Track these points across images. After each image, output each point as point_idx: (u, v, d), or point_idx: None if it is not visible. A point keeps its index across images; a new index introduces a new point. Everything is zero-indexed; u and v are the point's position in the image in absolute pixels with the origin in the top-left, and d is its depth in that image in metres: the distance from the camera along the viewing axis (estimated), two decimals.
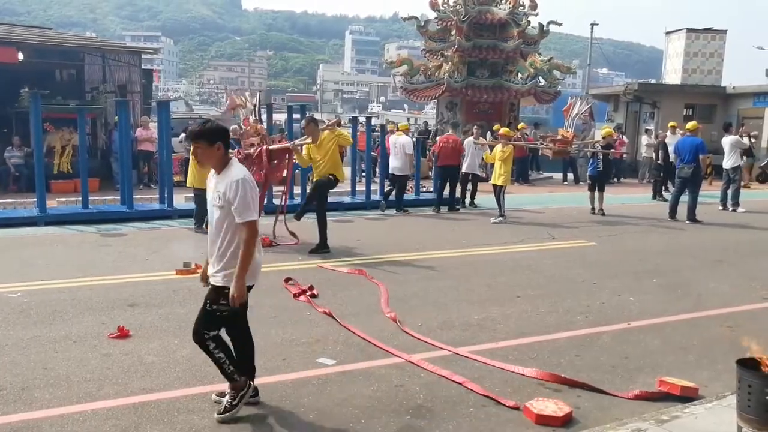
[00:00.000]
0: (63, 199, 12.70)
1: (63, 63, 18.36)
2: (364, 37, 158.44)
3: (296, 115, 14.29)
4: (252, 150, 9.40)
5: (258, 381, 4.66)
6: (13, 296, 6.62)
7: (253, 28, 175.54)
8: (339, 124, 9.26)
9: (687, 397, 4.49)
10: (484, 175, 16.46)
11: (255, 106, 10.09)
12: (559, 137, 13.64)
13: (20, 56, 15.62)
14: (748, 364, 3.75)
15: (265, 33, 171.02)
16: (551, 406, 4.25)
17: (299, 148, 9.14)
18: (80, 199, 11.77)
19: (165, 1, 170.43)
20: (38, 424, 3.97)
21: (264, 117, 14.62)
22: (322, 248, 8.97)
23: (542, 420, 4.13)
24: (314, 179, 9.42)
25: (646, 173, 21.47)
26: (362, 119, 17.27)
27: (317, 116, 9.49)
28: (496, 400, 4.44)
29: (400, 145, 13.63)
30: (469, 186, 14.70)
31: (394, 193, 13.74)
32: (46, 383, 4.55)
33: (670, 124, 18.71)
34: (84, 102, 17.03)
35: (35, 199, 11.29)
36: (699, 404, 4.22)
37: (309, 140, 9.03)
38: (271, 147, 9.31)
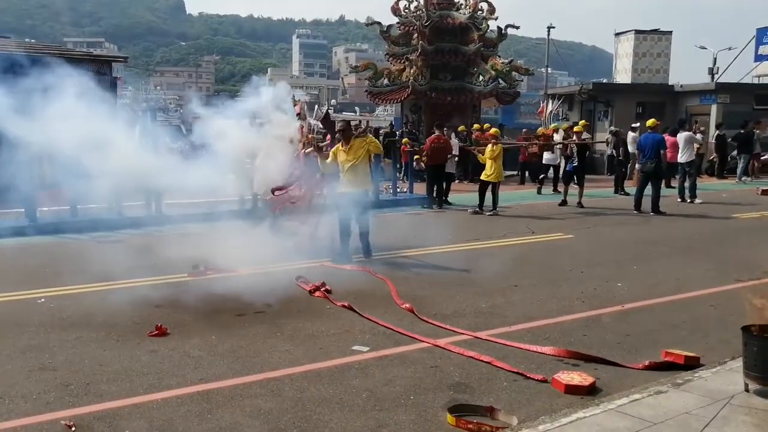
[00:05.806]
0: (45, 209, 12.69)
1: None
2: (311, 40, 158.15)
3: None
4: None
5: (302, 368, 5.07)
6: (39, 302, 6.81)
7: (198, 33, 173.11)
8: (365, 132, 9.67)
9: (690, 365, 5.05)
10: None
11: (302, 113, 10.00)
12: (540, 135, 14.56)
13: None
14: (751, 331, 4.34)
15: (211, 38, 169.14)
16: (576, 378, 4.76)
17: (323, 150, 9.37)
18: (66, 208, 11.82)
19: (108, 6, 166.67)
20: (117, 412, 4.27)
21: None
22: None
23: (571, 390, 4.63)
24: (342, 184, 9.27)
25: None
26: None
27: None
28: (525, 375, 4.93)
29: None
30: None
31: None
32: (107, 378, 4.83)
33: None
34: None
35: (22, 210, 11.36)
36: (705, 370, 4.79)
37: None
38: (306, 151, 9.54)
